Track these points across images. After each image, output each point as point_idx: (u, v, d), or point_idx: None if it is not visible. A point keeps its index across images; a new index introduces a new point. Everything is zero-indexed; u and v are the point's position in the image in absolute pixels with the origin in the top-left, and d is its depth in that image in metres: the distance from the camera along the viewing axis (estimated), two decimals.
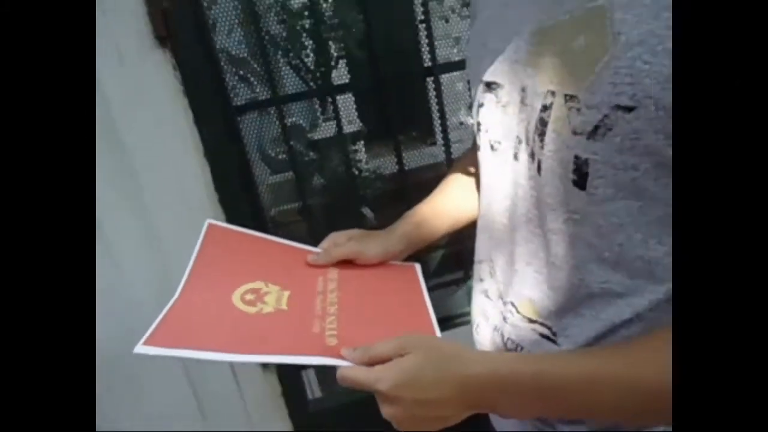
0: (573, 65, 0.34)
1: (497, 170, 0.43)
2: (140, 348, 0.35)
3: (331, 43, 2.54)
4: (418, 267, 0.56)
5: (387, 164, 2.75)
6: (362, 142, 2.92)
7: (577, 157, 0.34)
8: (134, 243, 0.90)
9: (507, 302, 0.44)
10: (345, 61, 2.59)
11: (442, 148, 1.15)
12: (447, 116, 1.14)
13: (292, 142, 1.18)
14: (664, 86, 0.30)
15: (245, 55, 1.51)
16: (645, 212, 0.34)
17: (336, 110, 1.21)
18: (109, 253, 0.88)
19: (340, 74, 2.76)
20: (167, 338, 0.35)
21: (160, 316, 0.38)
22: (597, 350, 0.37)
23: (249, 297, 0.41)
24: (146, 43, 0.82)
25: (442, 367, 0.34)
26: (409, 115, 1.26)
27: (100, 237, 0.86)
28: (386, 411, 0.35)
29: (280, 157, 2.37)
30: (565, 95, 0.34)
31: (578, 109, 0.33)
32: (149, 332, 0.36)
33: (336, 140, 1.80)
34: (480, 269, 0.50)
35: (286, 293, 0.43)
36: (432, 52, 1.04)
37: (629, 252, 0.35)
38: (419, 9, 1.27)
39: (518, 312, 0.43)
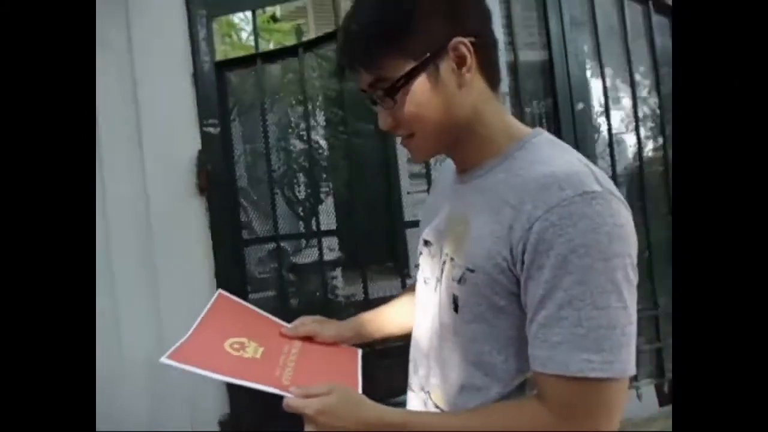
0: (455, 241, 0.62)
1: (424, 297, 0.69)
2: (164, 359, 0.55)
3: (321, 183, 2.99)
4: (359, 351, 0.79)
5: (360, 291, 2.99)
6: (340, 269, 3.20)
7: (454, 295, 0.60)
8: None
9: (426, 392, 0.67)
10: (332, 199, 3.01)
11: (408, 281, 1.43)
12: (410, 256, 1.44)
13: (274, 264, 1.43)
14: (488, 261, 0.55)
15: (252, 194, 1.84)
16: (488, 332, 0.59)
17: (320, 242, 1.50)
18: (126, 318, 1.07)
19: (327, 208, 3.17)
20: (181, 357, 0.57)
21: (177, 344, 0.59)
22: (462, 411, 0.59)
23: (235, 345, 0.64)
24: (191, 191, 1.13)
25: (349, 407, 0.55)
26: (383, 251, 1.54)
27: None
28: (306, 428, 0.54)
29: (261, 276, 2.61)
30: (451, 257, 0.62)
31: (453, 267, 0.61)
32: (171, 350, 0.57)
33: (316, 266, 2.06)
34: (410, 367, 0.73)
35: (261, 348, 0.66)
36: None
37: (483, 358, 0.59)
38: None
39: (431, 399, 0.65)
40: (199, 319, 0.67)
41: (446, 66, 0.52)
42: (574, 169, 0.48)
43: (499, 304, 0.53)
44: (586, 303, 0.44)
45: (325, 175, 1.63)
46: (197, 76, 1.17)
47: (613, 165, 1.48)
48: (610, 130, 1.52)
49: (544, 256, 0.46)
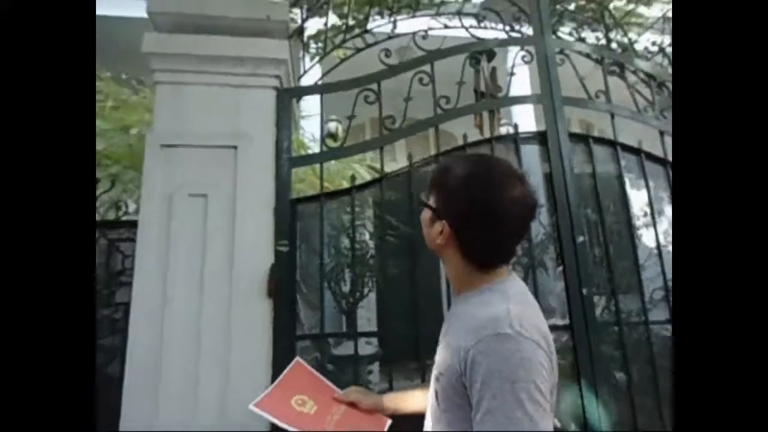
0: (439, 350, 0.88)
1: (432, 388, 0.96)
2: (251, 407, 0.86)
3: (365, 279, 3.33)
4: (389, 421, 1.04)
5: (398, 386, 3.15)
6: (377, 364, 3.40)
7: (435, 389, 0.86)
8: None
9: None
10: (374, 295, 3.33)
11: None
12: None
13: (317, 354, 1.72)
14: (449, 369, 0.81)
15: (303, 287, 2.20)
16: (454, 420, 0.81)
17: (356, 341, 1.78)
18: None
19: (369, 303, 3.47)
20: (260, 406, 0.87)
21: (260, 396, 0.90)
22: None
23: (299, 401, 0.94)
24: (263, 294, 1.50)
25: None
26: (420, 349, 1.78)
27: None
28: None
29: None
30: (435, 362, 0.89)
31: (435, 369, 0.87)
32: (256, 400, 0.88)
33: (353, 359, 2.32)
34: None
35: (316, 407, 0.95)
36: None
37: None
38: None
39: None
40: (279, 378, 0.99)
41: (439, 226, 0.86)
42: (498, 315, 0.76)
43: (457, 401, 0.79)
44: (500, 413, 0.68)
45: (369, 274, 1.96)
46: (278, 210, 1.60)
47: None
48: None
49: (475, 374, 0.73)
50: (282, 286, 1.55)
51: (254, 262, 1.53)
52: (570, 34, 2.20)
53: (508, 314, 0.76)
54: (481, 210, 0.82)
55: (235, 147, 1.62)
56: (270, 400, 0.91)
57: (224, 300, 1.47)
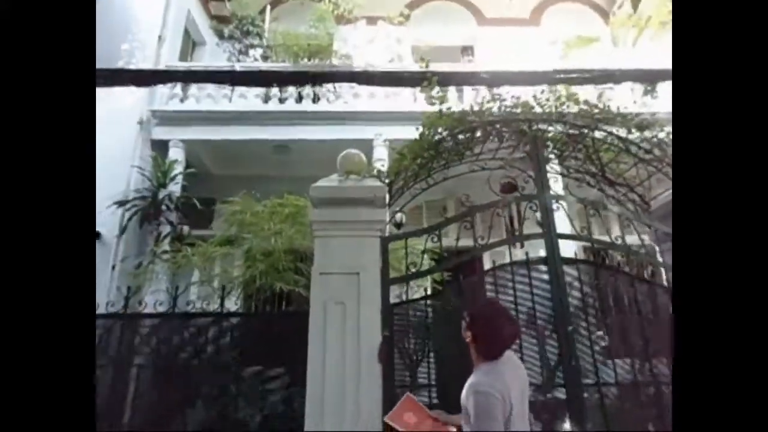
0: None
1: None
2: (385, 419, 2.04)
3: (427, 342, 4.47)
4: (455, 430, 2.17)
5: None
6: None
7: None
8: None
9: None
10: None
11: None
12: None
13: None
14: (462, 404, 1.94)
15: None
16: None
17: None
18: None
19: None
20: (389, 418, 2.05)
21: (390, 413, 2.11)
22: None
23: (407, 416, 2.10)
24: (376, 361, 2.71)
25: None
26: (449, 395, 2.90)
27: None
28: None
29: None
30: None
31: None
32: (387, 415, 2.08)
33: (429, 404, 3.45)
34: None
35: (415, 419, 2.11)
36: None
37: None
38: None
39: None
40: (398, 403, 2.19)
41: (468, 333, 2.02)
42: (479, 380, 1.87)
43: (466, 428, 1.92)
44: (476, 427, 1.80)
45: (428, 336, 3.08)
46: (383, 313, 2.84)
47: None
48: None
49: (467, 409, 1.86)
50: (385, 356, 2.75)
51: (371, 341, 2.76)
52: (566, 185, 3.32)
53: (479, 381, 1.89)
54: (486, 333, 1.98)
55: (358, 273, 2.90)
56: (393, 415, 2.09)
57: (356, 363, 2.70)
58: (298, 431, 2.61)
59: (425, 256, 3.19)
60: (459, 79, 5.58)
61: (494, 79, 5.02)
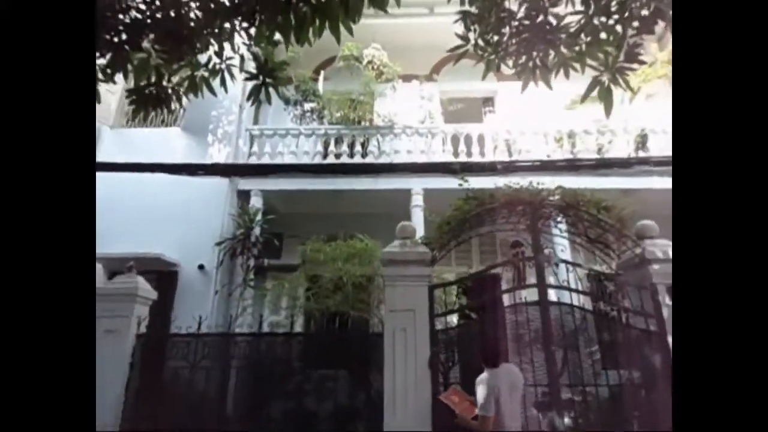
0: None
1: None
2: (440, 396, 3.65)
3: (455, 359, 6.02)
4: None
5: None
6: None
7: None
8: None
9: None
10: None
11: None
12: None
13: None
14: None
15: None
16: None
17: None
18: None
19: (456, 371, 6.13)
20: (442, 398, 3.64)
21: (442, 395, 3.73)
22: None
23: (453, 398, 3.65)
24: (427, 367, 4.28)
25: None
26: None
27: None
28: None
29: None
30: None
31: None
32: (441, 395, 3.69)
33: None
34: None
35: (457, 399, 3.67)
36: None
37: None
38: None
39: None
40: (446, 391, 3.77)
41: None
42: (481, 377, 3.46)
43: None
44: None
45: (456, 351, 4.63)
46: (430, 338, 4.40)
47: None
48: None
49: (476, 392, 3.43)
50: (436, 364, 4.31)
51: (423, 354, 4.34)
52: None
53: (481, 377, 3.47)
54: (486, 355, 3.58)
55: (414, 310, 4.48)
56: (444, 395, 3.65)
57: (414, 368, 4.27)
58: (359, 419, 4.20)
59: (456, 297, 4.75)
60: (478, 168, 7.29)
61: (508, 168, 6.68)
